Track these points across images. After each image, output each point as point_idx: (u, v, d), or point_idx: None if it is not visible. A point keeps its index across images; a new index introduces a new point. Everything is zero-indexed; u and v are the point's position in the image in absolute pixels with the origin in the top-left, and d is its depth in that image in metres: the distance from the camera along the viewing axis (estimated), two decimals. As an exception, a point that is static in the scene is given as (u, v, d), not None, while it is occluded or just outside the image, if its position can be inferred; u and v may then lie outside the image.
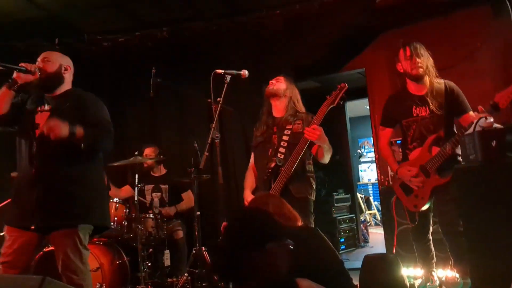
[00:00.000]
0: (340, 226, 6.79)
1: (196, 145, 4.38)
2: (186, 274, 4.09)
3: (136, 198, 4.45)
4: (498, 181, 2.34)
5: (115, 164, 4.60)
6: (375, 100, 5.45)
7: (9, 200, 3.15)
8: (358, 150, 11.23)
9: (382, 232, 5.10)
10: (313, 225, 3.28)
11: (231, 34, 5.52)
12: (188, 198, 5.02)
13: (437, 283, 3.38)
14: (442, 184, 3.10)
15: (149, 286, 4.27)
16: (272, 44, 5.46)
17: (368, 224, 8.94)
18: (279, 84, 3.52)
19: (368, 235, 7.81)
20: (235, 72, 3.38)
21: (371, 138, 6.71)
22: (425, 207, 3.21)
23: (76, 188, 2.89)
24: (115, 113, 5.59)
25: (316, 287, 1.86)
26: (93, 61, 5.75)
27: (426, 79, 3.24)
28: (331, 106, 3.19)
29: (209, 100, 3.35)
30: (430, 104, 3.20)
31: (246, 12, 5.36)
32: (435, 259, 3.40)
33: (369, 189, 10.93)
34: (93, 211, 2.96)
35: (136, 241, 4.32)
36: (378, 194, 8.07)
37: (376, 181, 8.35)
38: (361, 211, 9.02)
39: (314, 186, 3.40)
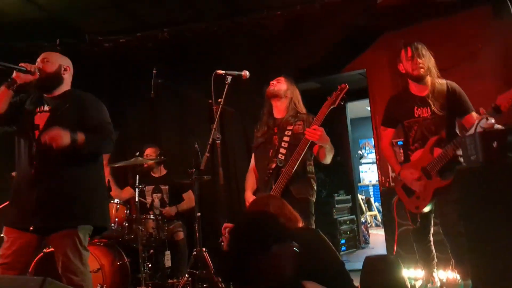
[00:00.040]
0: (341, 227, 6.79)
1: (197, 146, 4.38)
2: (186, 275, 4.08)
3: (137, 199, 4.44)
4: (499, 182, 2.34)
5: (116, 165, 4.61)
6: (376, 101, 5.45)
7: (8, 202, 3.13)
8: (359, 151, 11.24)
9: (383, 233, 5.10)
10: (313, 226, 3.28)
11: (232, 35, 5.51)
12: (189, 198, 5.02)
13: (438, 284, 3.37)
14: (443, 186, 3.09)
15: (150, 287, 4.27)
16: (273, 45, 5.46)
17: (368, 225, 8.94)
18: (280, 84, 3.52)
19: (369, 236, 7.81)
20: (236, 73, 3.39)
21: (372, 139, 6.71)
22: (426, 209, 3.20)
23: (75, 189, 2.88)
24: (116, 113, 5.60)
25: None
26: (94, 62, 5.75)
27: (428, 79, 3.23)
28: (332, 107, 3.19)
29: (210, 101, 3.35)
30: (432, 105, 3.19)
31: (246, 13, 5.36)
32: (435, 260, 3.39)
33: (370, 190, 10.92)
34: (93, 211, 2.95)
35: (137, 242, 4.32)
36: (379, 195, 8.08)
37: (377, 182, 8.35)
38: (362, 212, 9.02)
39: (315, 187, 3.39)
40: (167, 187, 5.10)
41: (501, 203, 2.28)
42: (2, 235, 2.88)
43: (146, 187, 5.02)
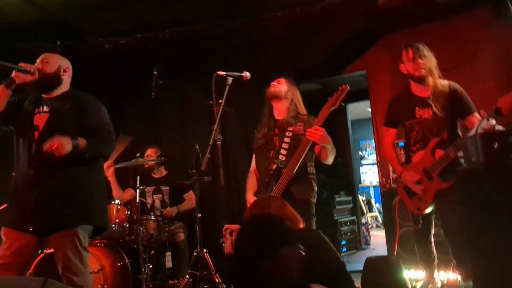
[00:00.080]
0: (342, 228, 6.78)
1: (197, 147, 4.38)
2: (187, 276, 4.08)
3: (138, 200, 4.44)
4: (500, 183, 2.34)
5: (117, 166, 4.61)
6: (376, 102, 5.45)
7: (6, 205, 3.13)
8: (360, 152, 11.24)
9: (383, 234, 5.09)
10: (314, 227, 3.28)
11: (232, 36, 5.52)
12: (190, 199, 5.02)
13: (439, 284, 3.37)
14: (444, 188, 3.09)
15: (150, 288, 4.28)
16: (273, 46, 5.46)
17: (369, 226, 8.93)
18: (281, 86, 3.52)
19: (370, 237, 7.80)
20: (236, 74, 3.39)
21: (373, 140, 6.71)
22: (428, 210, 3.20)
23: (75, 189, 2.89)
24: (117, 114, 5.60)
25: None
26: (95, 63, 5.75)
27: (430, 80, 3.23)
28: (333, 108, 3.19)
29: (211, 102, 3.35)
30: (433, 106, 3.18)
31: (247, 14, 5.37)
32: (436, 260, 3.39)
33: (371, 192, 10.92)
34: (93, 211, 2.96)
35: (138, 243, 4.32)
36: (380, 196, 8.07)
37: (377, 184, 8.35)
38: (363, 214, 9.02)
39: (316, 188, 3.39)
40: (167, 188, 5.09)
41: (502, 204, 2.28)
42: (1, 236, 2.88)
43: (147, 188, 5.02)
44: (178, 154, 5.59)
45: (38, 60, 2.98)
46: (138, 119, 5.97)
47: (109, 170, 4.65)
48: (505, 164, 2.33)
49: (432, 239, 3.37)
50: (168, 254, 4.61)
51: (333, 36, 5.19)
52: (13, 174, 3.03)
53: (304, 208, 3.13)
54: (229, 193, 5.00)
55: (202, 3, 5.10)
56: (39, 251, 3.95)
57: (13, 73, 2.83)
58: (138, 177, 4.51)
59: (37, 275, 3.77)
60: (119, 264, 4.27)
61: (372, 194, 10.82)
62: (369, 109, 5.63)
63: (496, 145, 2.35)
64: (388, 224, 4.63)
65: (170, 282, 4.43)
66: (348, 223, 6.98)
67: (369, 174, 11.47)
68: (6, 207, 3.14)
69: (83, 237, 2.87)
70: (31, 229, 2.79)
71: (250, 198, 3.48)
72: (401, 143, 3.70)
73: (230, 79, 3.33)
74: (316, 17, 5.13)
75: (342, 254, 6.48)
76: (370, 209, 9.88)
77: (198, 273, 4.06)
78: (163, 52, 5.64)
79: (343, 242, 6.73)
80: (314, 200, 3.36)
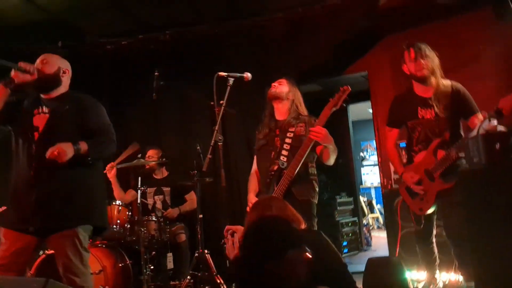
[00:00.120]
0: (343, 230, 6.78)
1: (198, 147, 4.39)
2: (188, 277, 4.08)
3: (139, 201, 4.44)
4: (502, 184, 2.34)
5: (118, 167, 4.60)
6: (377, 103, 5.45)
7: (5, 207, 3.12)
8: (361, 153, 11.23)
9: (385, 235, 5.09)
10: (316, 228, 3.28)
11: (233, 37, 5.52)
12: (191, 200, 5.02)
13: (440, 284, 3.36)
14: (446, 189, 3.08)
15: (152, 289, 4.27)
16: (274, 47, 5.47)
17: (370, 227, 8.93)
18: (282, 86, 3.52)
19: (371, 238, 7.80)
20: (238, 74, 3.39)
21: (374, 141, 6.70)
22: (430, 211, 3.19)
23: (75, 189, 2.88)
24: (118, 115, 5.63)
25: None
26: (96, 64, 5.76)
27: (432, 80, 3.21)
28: (334, 109, 3.18)
29: (212, 103, 3.36)
30: (435, 106, 3.18)
31: (248, 15, 5.37)
32: (438, 261, 3.38)
33: (372, 193, 10.91)
34: (93, 211, 2.96)
35: (139, 244, 4.32)
36: (381, 198, 8.06)
37: (379, 185, 8.34)
38: (364, 215, 9.01)
39: (317, 189, 3.38)
40: (169, 189, 5.09)
41: (504, 205, 2.28)
42: (0, 237, 2.87)
43: (148, 189, 5.02)
44: (179, 155, 5.59)
45: (37, 61, 2.97)
46: (139, 120, 5.97)
47: (111, 171, 4.64)
48: (507, 165, 2.33)
49: (434, 240, 3.36)
50: (169, 255, 4.62)
51: (333, 36, 5.19)
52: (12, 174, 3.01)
53: (305, 209, 3.12)
54: (230, 194, 4.99)
55: (202, 4, 5.11)
56: (41, 252, 3.96)
57: (12, 72, 2.82)
58: (140, 178, 4.50)
59: (38, 276, 3.77)
60: (120, 265, 4.27)
61: (373, 195, 10.81)
62: (370, 110, 5.62)
63: (497, 146, 2.35)
64: (390, 225, 4.63)
65: (171, 283, 4.43)
66: (349, 224, 6.98)
67: (370, 175, 11.47)
68: (5, 209, 3.11)
69: (83, 237, 2.87)
70: (31, 230, 2.78)
71: (252, 199, 3.47)
72: (403, 144, 3.68)
73: (231, 80, 3.34)
74: (316, 18, 5.13)
75: (343, 255, 6.48)
76: (371, 210, 9.87)
77: (199, 274, 4.05)
78: (164, 53, 5.65)
79: (345, 243, 6.73)
80: (316, 201, 3.35)
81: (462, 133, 3.21)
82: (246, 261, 1.75)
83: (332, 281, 1.99)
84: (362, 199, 9.18)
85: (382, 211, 8.84)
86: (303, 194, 3.27)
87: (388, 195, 4.71)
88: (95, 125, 2.99)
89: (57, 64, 3.01)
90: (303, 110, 3.53)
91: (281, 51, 5.43)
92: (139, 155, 4.60)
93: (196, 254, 4.08)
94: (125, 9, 5.13)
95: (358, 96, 5.86)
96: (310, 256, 1.76)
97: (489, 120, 2.61)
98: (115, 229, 4.44)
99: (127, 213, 4.60)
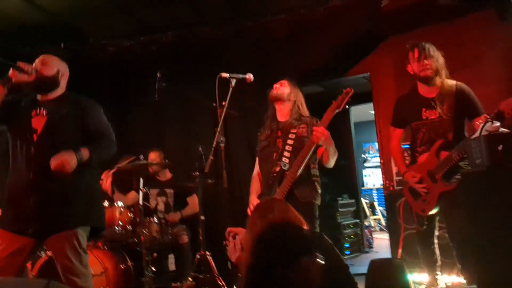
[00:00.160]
0: (345, 231, 6.77)
1: (201, 149, 4.38)
2: (190, 278, 4.08)
3: (141, 203, 4.44)
4: (505, 185, 2.33)
5: (118, 167, 4.58)
6: (380, 104, 5.44)
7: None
8: (363, 155, 11.21)
9: (387, 237, 5.08)
10: (318, 230, 3.27)
11: (236, 39, 5.53)
12: (193, 203, 5.02)
13: (443, 286, 3.35)
14: (448, 190, 3.07)
15: (153, 291, 4.26)
16: (277, 48, 5.47)
17: (372, 229, 8.91)
18: (283, 88, 3.51)
19: (373, 240, 7.78)
20: (240, 76, 3.39)
21: (376, 143, 6.70)
22: (432, 212, 3.19)
23: (75, 191, 2.88)
24: (120, 117, 5.64)
25: None
26: (98, 66, 5.77)
27: (437, 80, 3.20)
28: (337, 111, 3.17)
29: (214, 104, 3.36)
30: (439, 107, 3.16)
31: (251, 16, 5.38)
32: (439, 262, 3.36)
33: (374, 194, 10.89)
34: (91, 212, 2.96)
35: (141, 246, 4.31)
36: (383, 199, 8.04)
37: (381, 186, 8.33)
38: (366, 216, 8.99)
39: (319, 190, 3.38)
40: (172, 191, 5.09)
41: (506, 207, 2.27)
42: None
43: (151, 190, 5.02)
44: (181, 157, 5.58)
45: (37, 61, 2.96)
46: (141, 121, 5.97)
47: (107, 181, 4.61)
48: (510, 167, 2.33)
49: (436, 241, 3.35)
50: (171, 256, 4.61)
51: (335, 38, 5.19)
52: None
53: (307, 211, 3.12)
54: (232, 195, 4.99)
55: (205, 6, 5.12)
56: (43, 254, 3.96)
57: (10, 72, 2.81)
58: (141, 179, 4.50)
59: (40, 277, 3.78)
60: (122, 266, 4.26)
61: (375, 197, 10.79)
62: (372, 112, 5.62)
63: (500, 148, 2.34)
64: (392, 227, 4.62)
65: (173, 284, 4.41)
66: (351, 226, 6.96)
67: (372, 177, 11.45)
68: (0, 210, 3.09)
69: (82, 239, 2.87)
70: (30, 232, 2.77)
71: (254, 200, 3.47)
72: (406, 146, 3.67)
73: (233, 81, 3.34)
74: (319, 20, 5.13)
75: (345, 257, 6.46)
76: (373, 212, 9.86)
77: (201, 276, 4.05)
78: (166, 54, 5.66)
79: (346, 245, 6.71)
80: (318, 203, 3.34)
81: (467, 135, 3.19)
82: (259, 268, 1.74)
83: (334, 283, 1.99)
84: (364, 200, 9.16)
85: (384, 212, 8.82)
86: (305, 196, 3.26)
87: (390, 196, 4.70)
88: (94, 126, 2.99)
89: (56, 67, 3.00)
90: (305, 111, 3.53)
91: (283, 52, 5.43)
92: (141, 157, 4.59)
93: (198, 256, 4.08)
94: (127, 11, 5.14)
95: (360, 97, 5.82)
96: (323, 262, 1.75)
97: (492, 122, 2.60)
98: (117, 231, 4.43)
99: (129, 214, 4.60)
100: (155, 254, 4.57)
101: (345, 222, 6.86)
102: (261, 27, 5.39)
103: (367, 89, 5.67)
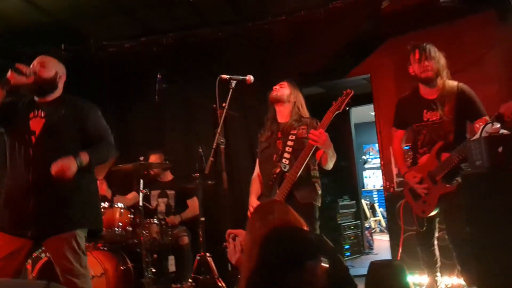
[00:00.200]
0: (345, 233, 6.77)
1: (201, 150, 4.38)
2: (190, 280, 4.07)
3: (141, 204, 4.43)
4: (505, 187, 2.33)
5: (120, 167, 4.58)
6: (380, 106, 5.44)
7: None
8: (363, 157, 11.20)
9: (387, 239, 5.08)
10: (318, 231, 3.27)
11: (236, 40, 5.53)
12: (193, 206, 5.00)
13: (442, 285, 3.35)
14: (448, 192, 3.07)
15: (153, 292, 4.26)
16: (277, 50, 5.46)
17: (372, 231, 8.90)
18: (283, 89, 3.51)
19: (373, 241, 7.78)
20: (240, 77, 3.39)
21: (376, 144, 6.69)
22: (432, 213, 3.18)
23: (73, 192, 2.87)
24: (120, 118, 5.64)
25: None
26: (99, 67, 5.77)
27: (438, 82, 3.19)
28: (337, 112, 3.17)
29: (214, 106, 3.35)
30: (440, 108, 3.15)
31: (251, 18, 5.38)
32: (439, 263, 3.36)
33: (374, 196, 10.89)
34: (89, 214, 2.96)
35: (141, 247, 4.30)
36: (383, 201, 8.03)
37: (381, 188, 8.32)
38: (366, 218, 8.98)
39: (320, 192, 3.37)
40: (173, 192, 5.08)
41: (507, 208, 2.27)
42: None
43: (152, 191, 5.01)
44: (181, 158, 5.58)
45: (35, 63, 2.94)
46: (141, 122, 5.96)
47: (102, 186, 4.61)
48: (510, 168, 2.32)
49: (436, 242, 3.35)
50: (171, 258, 4.60)
51: (336, 39, 5.18)
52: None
53: (307, 212, 3.11)
54: (232, 196, 4.98)
55: (205, 7, 5.12)
56: (42, 255, 3.95)
57: (9, 73, 2.79)
58: (141, 181, 4.49)
59: (40, 279, 3.77)
60: (122, 268, 4.26)
61: (375, 198, 10.78)
62: (373, 113, 5.62)
63: (500, 149, 2.34)
64: (392, 228, 4.61)
65: (173, 286, 4.41)
66: (352, 227, 6.96)
67: (372, 178, 11.45)
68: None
69: (81, 240, 2.86)
70: (28, 234, 2.77)
71: (253, 201, 3.47)
72: (407, 147, 3.67)
73: (233, 83, 3.33)
74: (319, 21, 5.14)
75: (345, 259, 6.47)
76: (374, 213, 9.85)
77: (201, 277, 4.04)
78: (167, 56, 5.66)
79: (347, 247, 6.71)
80: (318, 204, 3.34)
81: (468, 136, 3.18)
82: (263, 272, 1.74)
83: (334, 284, 1.98)
84: (364, 202, 9.16)
85: (385, 214, 8.81)
86: (305, 197, 3.26)
87: (390, 198, 4.70)
88: (93, 128, 2.99)
89: (55, 69, 2.99)
90: (305, 113, 3.52)
91: (283, 54, 5.43)
92: (142, 158, 4.59)
93: (198, 257, 4.07)
94: (127, 12, 5.14)
95: (360, 99, 5.83)
96: (327, 266, 1.75)
97: (492, 123, 2.59)
98: (117, 232, 4.42)
99: (129, 215, 4.59)
100: (155, 255, 4.56)
101: (346, 224, 6.87)
102: (261, 29, 5.40)
103: (368, 90, 5.67)
